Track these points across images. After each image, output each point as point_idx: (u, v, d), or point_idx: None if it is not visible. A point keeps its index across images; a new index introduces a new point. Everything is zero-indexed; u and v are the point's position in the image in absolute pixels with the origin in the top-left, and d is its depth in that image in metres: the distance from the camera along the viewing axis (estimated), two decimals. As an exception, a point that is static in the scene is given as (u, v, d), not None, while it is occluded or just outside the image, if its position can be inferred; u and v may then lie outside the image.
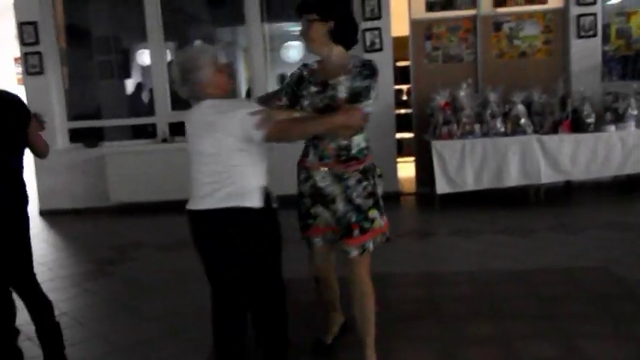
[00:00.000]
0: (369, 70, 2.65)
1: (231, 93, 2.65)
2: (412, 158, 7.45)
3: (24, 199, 2.87)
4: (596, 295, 3.71)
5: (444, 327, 3.39)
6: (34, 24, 6.94)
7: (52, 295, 3.15)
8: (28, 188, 2.91)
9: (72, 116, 7.32)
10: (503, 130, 6.13)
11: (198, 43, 8.23)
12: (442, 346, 3.17)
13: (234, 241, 2.50)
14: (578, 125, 6.12)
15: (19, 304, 2.92)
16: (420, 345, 3.19)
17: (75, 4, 7.63)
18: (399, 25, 7.10)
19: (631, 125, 6.12)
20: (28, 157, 3.00)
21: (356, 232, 2.68)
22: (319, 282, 3.04)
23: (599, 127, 6.15)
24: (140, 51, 7.83)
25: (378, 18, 6.72)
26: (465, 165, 6.08)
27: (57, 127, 7.04)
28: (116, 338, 3.53)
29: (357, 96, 2.60)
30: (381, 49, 6.74)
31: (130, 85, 8.09)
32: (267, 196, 2.52)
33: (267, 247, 2.57)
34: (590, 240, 4.91)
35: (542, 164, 6.04)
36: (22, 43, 6.98)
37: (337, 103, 2.61)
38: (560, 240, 4.98)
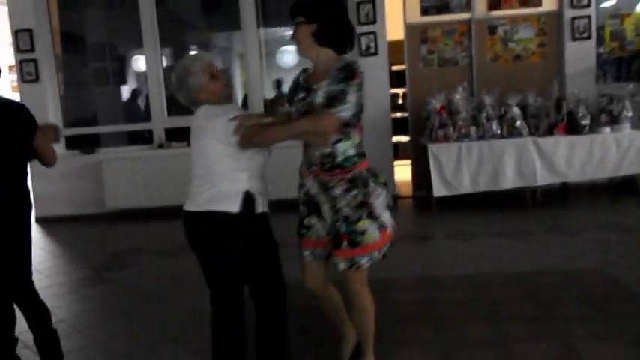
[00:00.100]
0: (344, 74, 2.50)
1: (226, 99, 2.68)
2: (409, 162, 7.47)
3: (27, 206, 2.89)
4: (593, 297, 3.73)
5: (441, 329, 3.40)
6: (29, 31, 6.95)
7: (49, 302, 3.15)
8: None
9: (68, 123, 7.32)
10: (499, 132, 6.15)
11: (195, 51, 8.28)
12: (440, 348, 3.18)
13: (215, 244, 2.55)
14: (573, 127, 6.15)
15: (16, 312, 2.92)
16: (417, 347, 3.20)
17: (70, 11, 7.64)
18: (394, 30, 7.14)
19: (626, 127, 6.16)
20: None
21: (345, 243, 2.57)
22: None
23: (594, 129, 6.18)
24: (135, 57, 7.84)
25: (373, 22, 6.74)
26: (461, 168, 6.10)
27: (53, 133, 7.02)
28: (115, 344, 3.53)
29: (332, 100, 2.47)
30: (376, 54, 6.76)
31: (125, 91, 8.10)
32: (248, 201, 2.52)
33: (253, 250, 2.57)
34: (586, 242, 4.92)
35: (538, 166, 6.06)
36: (18, 50, 6.98)
37: (314, 108, 2.54)
38: (556, 242, 5.00)
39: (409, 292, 4.07)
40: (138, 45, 7.34)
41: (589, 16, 6.76)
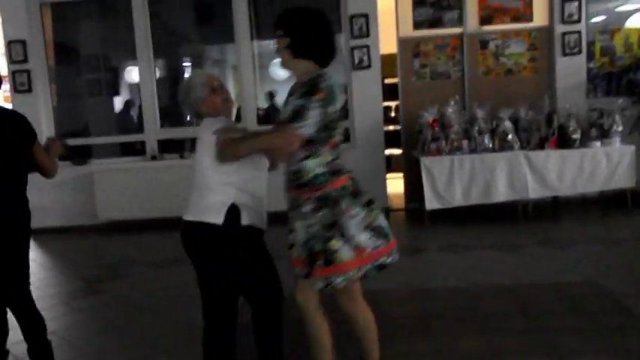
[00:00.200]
0: (306, 88, 2.41)
1: (226, 113, 2.74)
2: (401, 174, 7.49)
3: (25, 214, 2.89)
4: (585, 310, 3.74)
5: (434, 342, 3.40)
6: (22, 42, 6.95)
7: (40, 314, 3.13)
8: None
9: (60, 134, 7.28)
10: (490, 146, 6.19)
11: (188, 62, 8.30)
12: (433, 361, 3.18)
13: (206, 253, 2.60)
14: (564, 141, 6.20)
15: (10, 324, 2.90)
16: (410, 361, 3.20)
17: (64, 23, 7.64)
18: (387, 43, 7.18)
19: (616, 141, 6.21)
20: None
21: (319, 262, 2.47)
22: None
23: (584, 143, 6.24)
24: (129, 68, 7.85)
25: (367, 36, 6.78)
26: (453, 181, 6.13)
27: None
28: (105, 358, 3.50)
29: (295, 115, 2.38)
30: (369, 67, 6.80)
31: (118, 102, 8.09)
32: (233, 213, 2.53)
33: (241, 261, 2.58)
34: (577, 255, 4.95)
35: (530, 180, 6.10)
36: (11, 61, 6.97)
37: (279, 124, 2.50)
38: (548, 255, 5.02)
39: (401, 304, 4.07)
40: (131, 56, 7.35)
41: (579, 32, 6.84)
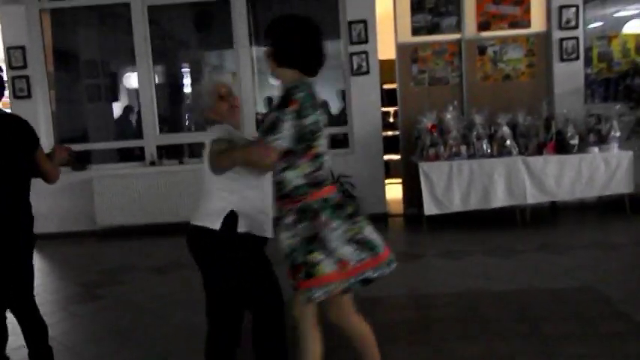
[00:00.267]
0: (280, 100, 2.37)
1: (232, 120, 2.75)
2: (400, 180, 7.49)
3: (28, 219, 2.90)
4: (583, 315, 3.74)
5: (433, 348, 3.40)
6: (22, 48, 6.97)
7: (39, 320, 3.12)
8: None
9: (60, 139, 7.29)
10: (489, 151, 6.21)
11: (187, 68, 8.30)
12: (431, 367, 3.18)
13: (207, 257, 2.65)
14: (562, 147, 6.22)
15: (10, 329, 2.90)
16: (409, 366, 3.20)
17: (63, 29, 7.66)
18: (385, 49, 7.21)
19: (614, 146, 6.23)
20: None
21: (301, 274, 2.42)
22: None
23: (582, 148, 6.25)
24: (128, 74, 7.86)
25: (365, 42, 6.81)
26: (452, 186, 6.14)
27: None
28: (104, 363, 3.50)
29: (269, 128, 2.35)
30: (368, 72, 6.82)
31: (117, 108, 8.10)
32: (231, 219, 2.56)
33: (237, 266, 2.60)
34: (575, 260, 4.95)
35: (528, 185, 6.11)
36: (10, 67, 6.98)
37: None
38: (546, 260, 5.03)
39: (400, 310, 4.08)
40: (130, 62, 7.36)
41: (577, 38, 6.87)
